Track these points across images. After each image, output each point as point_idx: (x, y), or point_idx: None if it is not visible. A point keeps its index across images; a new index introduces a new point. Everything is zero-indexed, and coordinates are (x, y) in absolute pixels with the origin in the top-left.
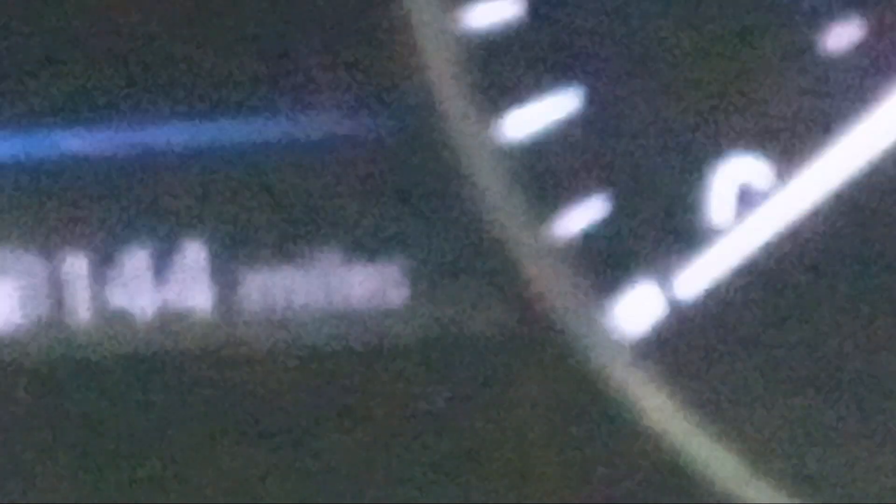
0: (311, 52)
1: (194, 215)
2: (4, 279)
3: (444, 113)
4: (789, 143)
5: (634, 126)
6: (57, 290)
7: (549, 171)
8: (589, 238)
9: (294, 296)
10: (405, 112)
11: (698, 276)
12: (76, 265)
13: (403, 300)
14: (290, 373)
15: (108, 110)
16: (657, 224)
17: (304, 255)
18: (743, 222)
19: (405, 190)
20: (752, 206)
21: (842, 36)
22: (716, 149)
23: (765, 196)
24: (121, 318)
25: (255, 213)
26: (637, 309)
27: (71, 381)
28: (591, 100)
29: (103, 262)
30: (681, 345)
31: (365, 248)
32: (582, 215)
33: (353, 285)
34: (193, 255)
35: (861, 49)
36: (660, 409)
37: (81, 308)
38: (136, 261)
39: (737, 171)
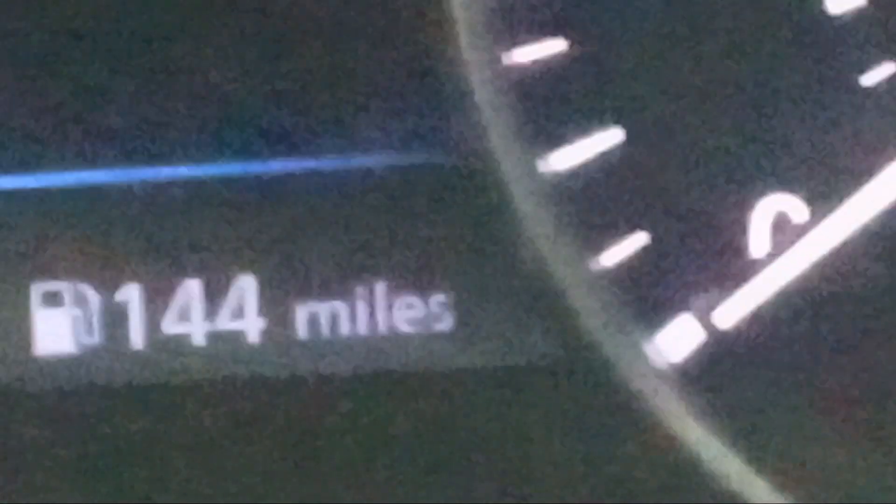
0: (362, 87)
1: (246, 245)
2: (60, 307)
3: (491, 147)
4: (825, 177)
5: (675, 161)
6: (111, 318)
7: (592, 203)
8: (631, 269)
9: (342, 324)
10: (453, 146)
11: (737, 306)
12: (130, 294)
13: (449, 328)
14: (337, 399)
15: (166, 143)
16: (697, 256)
17: (352, 284)
18: (780, 254)
19: (452, 221)
20: (788, 238)
21: (878, 71)
22: (754, 183)
23: (801, 229)
24: (173, 345)
25: (305, 244)
26: (677, 338)
27: (125, 408)
28: (634, 135)
29: (157, 291)
30: (719, 373)
31: (412, 277)
32: (624, 247)
33: (398, 314)
34: (244, 283)
35: None
36: (700, 437)
37: (135, 336)
38: (189, 290)
39: (774, 204)
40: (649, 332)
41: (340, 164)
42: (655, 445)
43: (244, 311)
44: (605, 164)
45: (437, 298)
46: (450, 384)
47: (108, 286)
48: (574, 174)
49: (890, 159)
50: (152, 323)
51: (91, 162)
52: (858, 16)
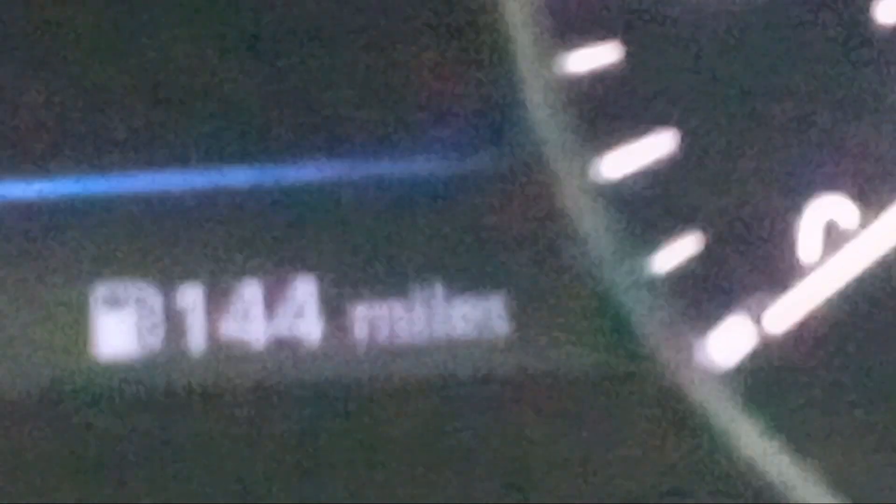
0: (417, 93)
1: (305, 249)
2: (121, 310)
3: (545, 152)
4: (875, 182)
5: (727, 166)
6: (172, 320)
7: (645, 208)
8: (683, 273)
9: (399, 328)
10: (508, 151)
11: (787, 310)
12: (191, 296)
13: (504, 333)
14: (394, 403)
15: (227, 148)
16: (748, 260)
17: (410, 288)
18: (830, 259)
19: (507, 226)
20: (839, 243)
21: None
22: (805, 188)
23: (851, 234)
24: (234, 348)
25: (363, 248)
26: (729, 342)
27: (185, 411)
28: (687, 141)
29: (217, 294)
30: (771, 376)
31: (468, 282)
32: (677, 252)
33: (456, 318)
34: (304, 287)
35: None
36: (751, 440)
37: (195, 339)
38: (249, 293)
39: (825, 209)
40: (702, 334)
41: (401, 168)
42: (707, 447)
43: (304, 313)
44: (658, 170)
45: (494, 302)
46: (505, 388)
47: (169, 288)
48: (629, 179)
49: None
50: (213, 326)
51: (156, 165)
52: None
